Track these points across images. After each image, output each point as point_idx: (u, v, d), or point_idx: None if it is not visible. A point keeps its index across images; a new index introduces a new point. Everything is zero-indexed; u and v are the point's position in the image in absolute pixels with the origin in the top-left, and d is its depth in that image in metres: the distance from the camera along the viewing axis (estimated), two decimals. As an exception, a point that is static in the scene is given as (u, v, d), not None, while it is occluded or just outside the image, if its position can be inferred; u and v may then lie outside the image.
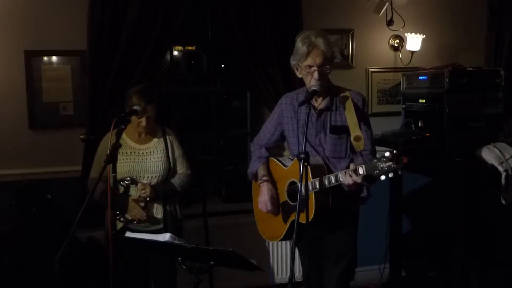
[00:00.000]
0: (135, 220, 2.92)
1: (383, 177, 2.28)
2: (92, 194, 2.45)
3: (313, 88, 2.50)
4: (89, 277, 3.24)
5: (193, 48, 5.71)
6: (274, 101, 3.66)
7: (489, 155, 3.43)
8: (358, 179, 2.37)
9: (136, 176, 2.95)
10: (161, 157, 3.01)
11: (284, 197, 2.76)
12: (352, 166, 2.42)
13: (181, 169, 3.10)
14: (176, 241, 2.20)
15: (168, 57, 4.49)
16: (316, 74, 2.52)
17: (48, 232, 3.27)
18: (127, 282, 2.96)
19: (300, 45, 2.55)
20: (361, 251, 2.90)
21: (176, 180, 3.05)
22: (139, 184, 2.93)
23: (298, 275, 3.76)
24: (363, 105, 2.67)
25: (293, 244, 2.32)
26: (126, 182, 2.92)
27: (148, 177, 2.96)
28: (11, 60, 3.50)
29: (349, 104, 2.59)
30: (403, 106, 4.06)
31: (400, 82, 4.12)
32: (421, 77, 3.87)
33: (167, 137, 3.07)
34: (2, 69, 3.49)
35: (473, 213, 3.62)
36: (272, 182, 2.81)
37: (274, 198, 2.76)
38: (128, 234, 2.38)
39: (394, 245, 4.22)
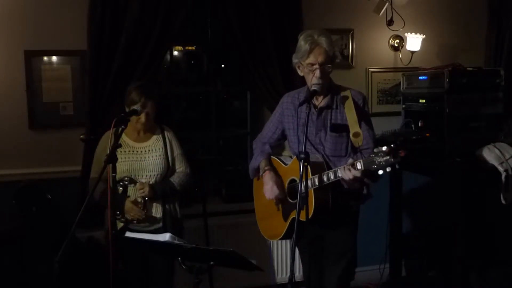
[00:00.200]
0: (134, 220, 2.92)
1: (381, 172, 2.27)
2: (92, 194, 2.45)
3: (313, 88, 2.51)
4: (89, 277, 3.24)
5: (193, 48, 5.72)
6: (274, 101, 3.67)
7: (489, 155, 3.43)
8: (358, 174, 2.37)
9: (135, 175, 2.95)
10: (160, 155, 3.01)
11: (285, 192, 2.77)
12: (350, 160, 2.42)
13: (180, 167, 3.10)
14: (176, 241, 2.21)
15: (168, 57, 4.49)
16: (317, 73, 2.53)
17: (48, 232, 3.27)
18: (127, 282, 2.96)
19: (302, 43, 2.56)
20: (361, 251, 2.90)
21: (175, 179, 3.04)
22: (137, 183, 2.92)
23: (298, 275, 3.76)
24: (363, 104, 2.68)
25: (293, 244, 2.32)
26: (124, 182, 2.91)
27: (146, 175, 2.96)
28: (11, 60, 3.50)
29: (349, 103, 2.60)
30: (403, 106, 4.07)
31: (400, 82, 4.12)
32: (421, 77, 3.87)
33: (166, 135, 3.07)
34: (2, 69, 3.49)
35: (473, 213, 3.62)
36: (275, 172, 2.81)
37: (279, 183, 2.76)
38: (128, 234, 2.38)
39: (394, 245, 4.22)
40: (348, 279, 2.81)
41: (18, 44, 3.49)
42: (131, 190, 2.94)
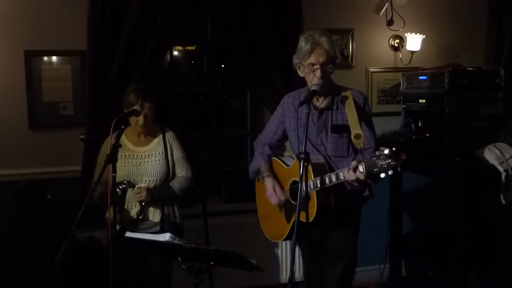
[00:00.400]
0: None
1: (383, 175, 2.28)
2: (91, 195, 2.45)
3: (313, 88, 2.51)
4: (89, 277, 3.24)
5: (193, 48, 5.71)
6: (274, 101, 3.67)
7: (489, 155, 3.43)
8: (361, 176, 2.36)
9: (134, 180, 2.91)
10: (160, 160, 2.97)
11: (287, 196, 2.77)
12: (353, 163, 2.42)
13: (180, 172, 3.05)
14: (176, 241, 2.21)
15: (168, 57, 4.49)
16: (318, 73, 2.53)
17: (48, 232, 3.27)
18: (127, 282, 2.96)
19: (303, 44, 2.56)
20: (361, 251, 2.90)
21: (175, 184, 3.00)
22: (134, 187, 2.89)
23: (298, 275, 3.76)
24: (364, 104, 2.67)
25: (293, 244, 2.32)
26: (122, 185, 2.87)
27: (145, 181, 2.93)
28: (11, 60, 3.50)
29: (350, 103, 2.59)
30: (403, 106, 4.07)
31: (400, 82, 4.12)
32: (421, 77, 3.87)
33: (167, 138, 3.04)
34: (2, 69, 3.49)
35: (473, 213, 3.62)
36: (275, 177, 2.82)
37: (279, 188, 2.76)
38: (128, 234, 2.38)
39: (394, 245, 4.22)
40: (349, 279, 2.81)
41: (18, 44, 3.49)
42: (130, 193, 2.91)
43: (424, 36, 4.17)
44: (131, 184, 2.90)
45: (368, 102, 2.75)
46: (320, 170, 2.55)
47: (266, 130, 2.95)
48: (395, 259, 4.24)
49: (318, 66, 2.53)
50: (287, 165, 2.80)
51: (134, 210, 2.93)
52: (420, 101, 3.83)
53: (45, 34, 3.54)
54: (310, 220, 2.48)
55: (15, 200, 3.32)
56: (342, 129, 2.61)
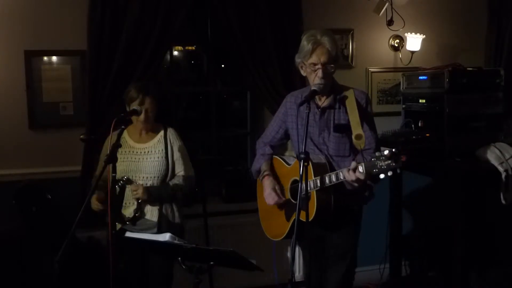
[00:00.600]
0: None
1: (382, 176, 2.28)
2: (91, 195, 2.44)
3: (313, 87, 2.50)
4: (89, 277, 3.24)
5: (193, 48, 5.71)
6: (274, 101, 3.67)
7: (489, 155, 3.43)
8: (362, 176, 2.36)
9: (132, 176, 2.91)
10: (159, 158, 2.97)
11: (287, 195, 2.77)
12: (353, 164, 2.42)
13: (181, 171, 3.03)
14: (176, 241, 2.21)
15: (168, 57, 4.49)
16: (320, 72, 2.53)
17: (48, 232, 3.27)
18: (127, 282, 2.96)
19: (305, 43, 2.56)
20: (361, 251, 2.90)
21: (174, 183, 2.99)
22: (132, 184, 2.88)
23: (299, 275, 3.76)
24: (366, 104, 2.67)
25: (293, 244, 2.32)
26: (121, 182, 2.86)
27: (143, 177, 2.92)
28: (11, 60, 3.50)
29: (352, 103, 2.59)
30: (403, 106, 4.07)
31: (400, 82, 4.12)
32: (421, 77, 3.87)
33: (168, 136, 3.03)
34: (2, 69, 3.49)
35: (473, 213, 3.62)
36: (275, 178, 2.82)
37: (277, 189, 2.76)
38: (128, 234, 2.38)
39: (394, 245, 4.22)
40: (349, 279, 2.81)
41: (18, 44, 3.49)
42: (128, 190, 2.90)
43: (424, 36, 4.17)
44: (130, 181, 2.89)
45: (371, 102, 2.75)
46: (321, 170, 2.55)
47: (268, 129, 2.96)
48: (395, 259, 4.24)
49: (319, 66, 2.53)
50: (288, 164, 2.80)
51: (131, 208, 2.92)
52: (420, 101, 3.83)
53: (45, 34, 3.54)
54: (310, 219, 2.48)
55: (15, 200, 3.32)
56: (344, 129, 2.61)
